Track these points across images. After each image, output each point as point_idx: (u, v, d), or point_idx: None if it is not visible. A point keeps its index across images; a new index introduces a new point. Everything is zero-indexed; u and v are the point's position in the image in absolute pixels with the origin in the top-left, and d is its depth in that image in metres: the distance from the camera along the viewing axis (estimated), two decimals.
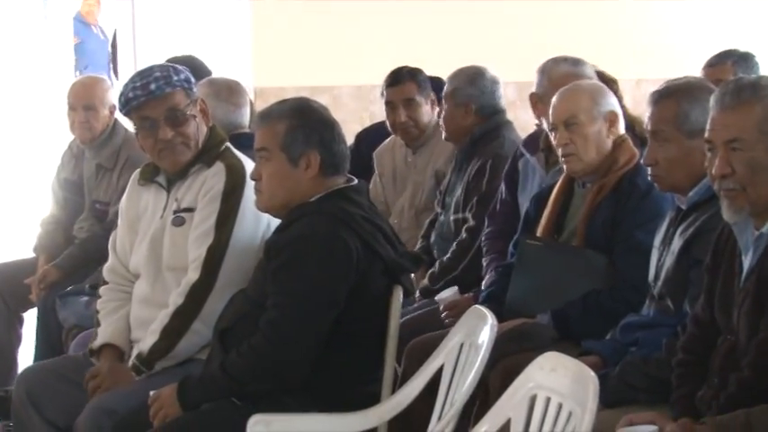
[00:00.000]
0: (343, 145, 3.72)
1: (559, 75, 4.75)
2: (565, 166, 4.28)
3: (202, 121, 4.06)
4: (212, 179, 3.98)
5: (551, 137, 4.39)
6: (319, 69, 9.56)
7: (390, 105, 5.62)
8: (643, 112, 3.76)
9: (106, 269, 4.26)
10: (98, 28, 13.00)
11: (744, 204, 3.13)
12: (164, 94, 3.97)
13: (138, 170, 4.24)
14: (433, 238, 5.32)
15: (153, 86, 3.97)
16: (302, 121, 3.67)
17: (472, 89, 5.24)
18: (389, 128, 5.69)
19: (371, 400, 3.61)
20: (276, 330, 3.54)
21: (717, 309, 3.25)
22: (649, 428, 3.03)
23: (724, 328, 3.21)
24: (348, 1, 9.78)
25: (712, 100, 3.24)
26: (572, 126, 4.21)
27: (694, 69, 5.56)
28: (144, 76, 4.00)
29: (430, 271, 5.10)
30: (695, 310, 3.38)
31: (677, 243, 3.62)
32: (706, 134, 3.22)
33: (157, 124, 3.98)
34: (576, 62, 4.89)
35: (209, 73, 5.83)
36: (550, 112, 4.30)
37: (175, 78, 4.00)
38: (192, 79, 4.12)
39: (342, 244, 3.57)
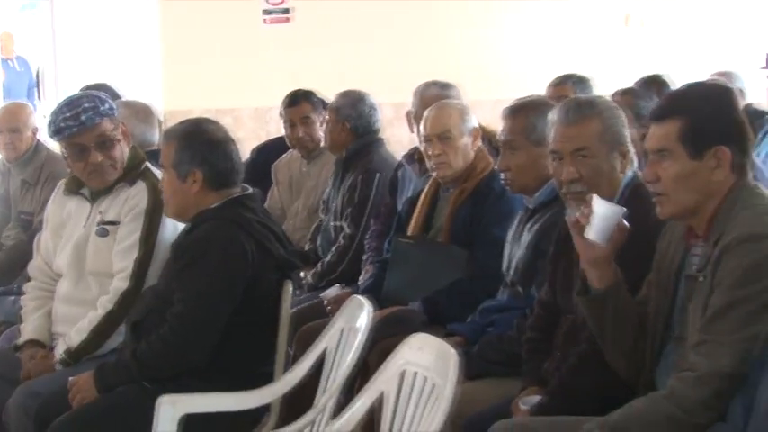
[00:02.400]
0: (231, 161, 3.72)
1: (430, 96, 4.89)
2: (435, 173, 4.39)
3: (125, 143, 4.07)
4: (135, 197, 4.00)
5: (422, 147, 4.49)
6: (222, 94, 9.58)
7: (290, 123, 5.72)
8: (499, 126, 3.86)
9: (32, 267, 4.27)
10: (13, 61, 12.78)
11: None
12: (94, 124, 3.98)
13: (63, 181, 4.25)
14: (318, 241, 5.41)
15: (83, 117, 3.97)
16: (187, 143, 3.69)
17: (352, 111, 5.36)
18: (288, 143, 5.77)
19: (266, 379, 3.65)
20: (181, 322, 3.57)
21: (558, 292, 3.39)
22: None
23: (565, 309, 3.33)
24: (248, 34, 9.82)
25: (554, 115, 3.33)
26: (446, 140, 4.33)
27: (540, 90, 5.68)
28: (74, 106, 4.00)
29: (313, 270, 5.18)
30: (541, 294, 3.50)
31: (526, 237, 3.74)
32: (551, 145, 3.33)
33: (88, 150, 3.99)
34: (445, 86, 5.04)
35: (119, 98, 5.80)
36: (423, 125, 4.42)
37: (102, 108, 4.00)
38: (114, 105, 4.11)
39: (238, 245, 3.61)
